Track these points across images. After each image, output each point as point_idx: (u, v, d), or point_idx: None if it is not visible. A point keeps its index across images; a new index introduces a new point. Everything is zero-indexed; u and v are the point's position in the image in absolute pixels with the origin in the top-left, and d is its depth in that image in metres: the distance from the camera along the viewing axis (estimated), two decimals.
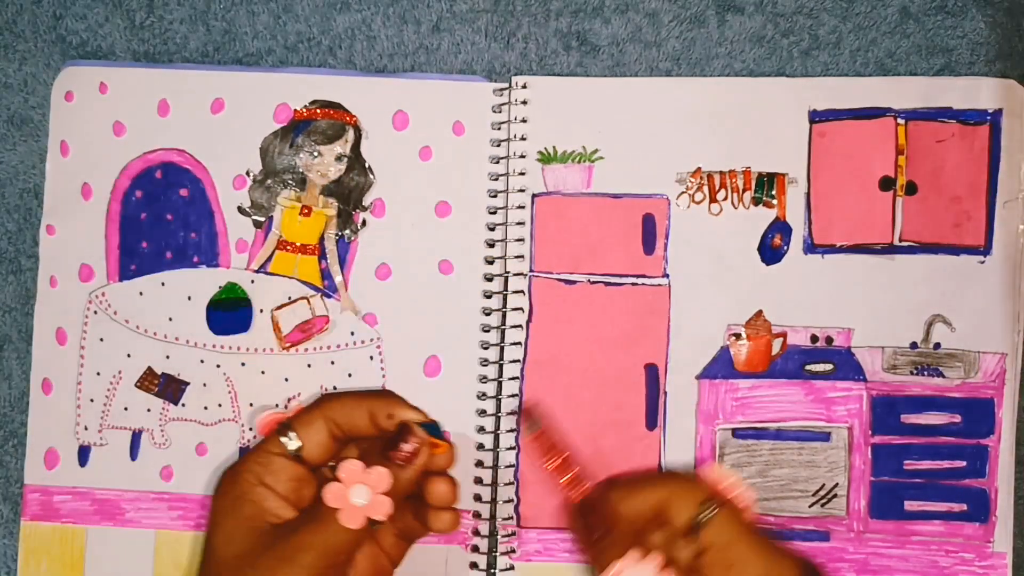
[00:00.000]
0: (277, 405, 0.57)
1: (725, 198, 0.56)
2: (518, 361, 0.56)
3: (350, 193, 0.57)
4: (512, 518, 0.56)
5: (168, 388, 0.57)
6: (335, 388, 0.57)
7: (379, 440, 0.49)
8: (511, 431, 0.56)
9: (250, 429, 0.57)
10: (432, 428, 0.49)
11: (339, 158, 0.57)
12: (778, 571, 0.47)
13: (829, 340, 0.55)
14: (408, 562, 0.52)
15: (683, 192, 0.56)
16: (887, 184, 0.55)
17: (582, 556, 0.54)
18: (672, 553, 0.48)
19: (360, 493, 0.46)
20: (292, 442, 0.49)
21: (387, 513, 0.47)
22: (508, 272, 0.56)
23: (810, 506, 0.55)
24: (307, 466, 0.49)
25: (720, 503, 0.47)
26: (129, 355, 0.57)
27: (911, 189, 0.55)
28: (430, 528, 0.50)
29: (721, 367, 0.55)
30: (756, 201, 0.55)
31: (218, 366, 0.57)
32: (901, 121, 0.55)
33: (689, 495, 0.48)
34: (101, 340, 0.57)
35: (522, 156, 0.56)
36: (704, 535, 0.47)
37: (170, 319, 0.57)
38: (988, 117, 0.55)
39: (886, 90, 0.55)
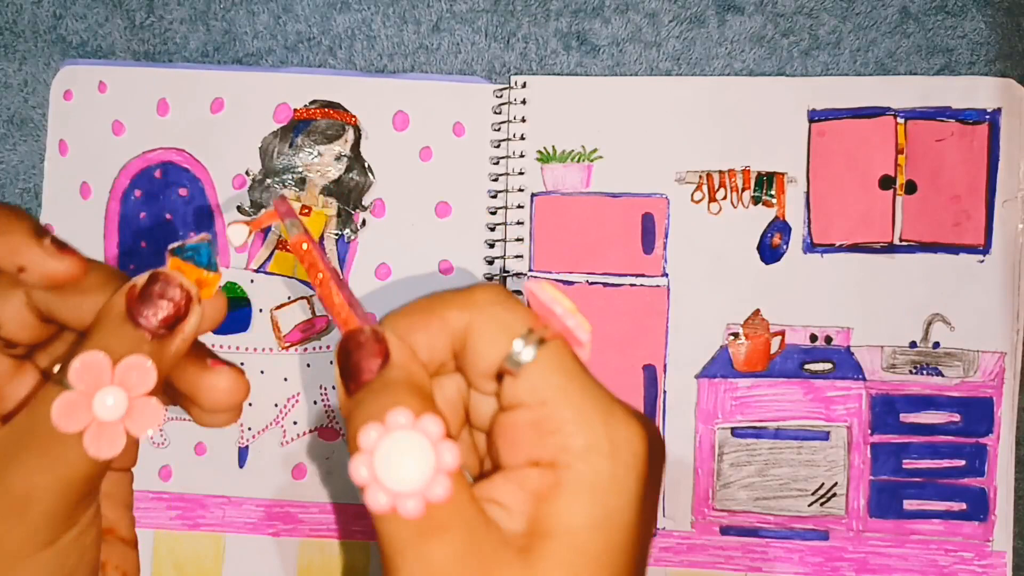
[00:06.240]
0: (276, 405, 0.57)
1: (724, 197, 0.56)
2: None
3: (350, 193, 0.57)
4: None
5: (167, 388, 0.57)
6: (334, 388, 0.56)
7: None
8: None
9: (248, 429, 0.57)
10: (193, 252, 0.33)
11: (339, 158, 0.57)
12: (615, 443, 0.31)
13: (828, 339, 0.55)
14: None
15: (686, 182, 0.56)
16: (887, 183, 0.55)
17: (343, 411, 0.33)
18: (473, 410, 0.34)
19: (112, 400, 0.30)
20: None
21: (160, 424, 0.31)
22: (507, 272, 0.56)
23: (809, 505, 0.55)
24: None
25: (544, 337, 0.32)
26: None
27: (911, 188, 0.55)
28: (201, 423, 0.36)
29: (720, 366, 0.55)
30: (755, 200, 0.55)
31: None
32: (900, 120, 0.55)
33: (500, 325, 0.32)
34: None
35: (521, 156, 0.56)
36: (515, 384, 0.31)
37: None
38: (987, 116, 0.55)
39: (885, 90, 0.55)
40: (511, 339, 0.31)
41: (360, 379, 0.31)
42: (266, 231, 0.57)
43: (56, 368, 0.32)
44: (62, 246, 0.32)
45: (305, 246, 0.34)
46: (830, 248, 0.55)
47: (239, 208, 0.57)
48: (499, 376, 0.32)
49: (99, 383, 0.30)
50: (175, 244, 0.32)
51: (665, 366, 0.56)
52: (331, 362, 0.57)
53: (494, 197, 0.57)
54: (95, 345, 0.31)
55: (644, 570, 0.33)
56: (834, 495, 0.55)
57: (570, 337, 0.32)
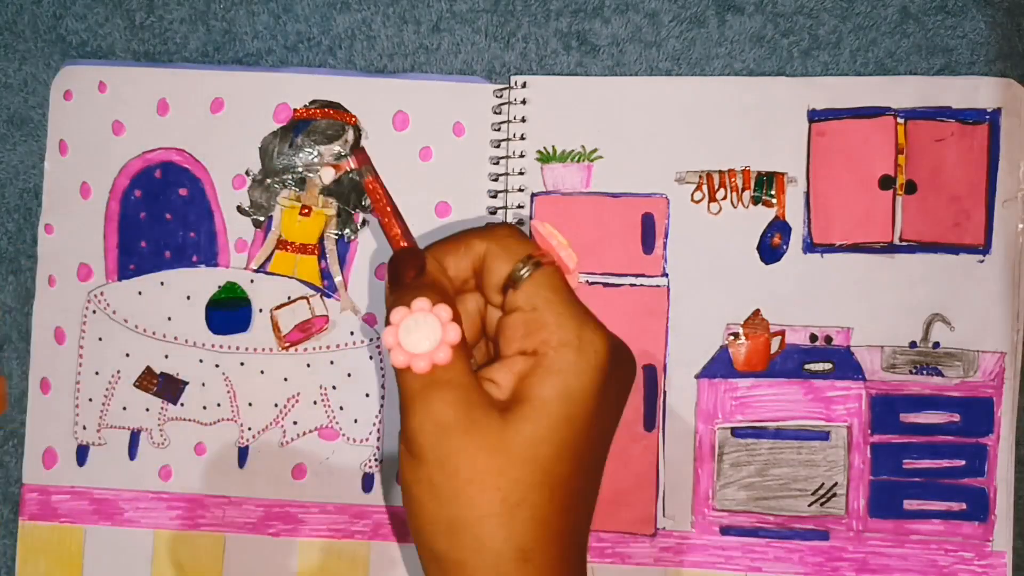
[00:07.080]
0: (276, 405, 0.57)
1: (724, 197, 0.56)
2: None
3: (350, 193, 0.57)
4: None
5: (167, 388, 0.57)
6: (334, 388, 0.56)
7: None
8: None
9: (248, 429, 0.57)
10: None
11: (339, 158, 0.57)
12: (583, 341, 0.41)
13: (828, 339, 0.55)
14: None
15: (686, 182, 0.56)
16: (887, 183, 0.55)
17: (387, 303, 0.44)
18: (488, 322, 0.45)
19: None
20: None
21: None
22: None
23: (809, 505, 0.55)
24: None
25: (539, 263, 0.43)
26: (128, 355, 0.57)
27: (911, 188, 0.55)
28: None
29: (720, 366, 0.55)
30: (755, 200, 0.55)
31: (217, 366, 0.57)
32: (900, 120, 0.55)
33: (509, 252, 0.43)
34: (100, 340, 0.57)
35: (521, 155, 0.56)
36: (515, 295, 0.42)
37: (169, 319, 0.57)
38: (987, 116, 0.55)
39: (885, 89, 0.55)
40: (516, 262, 0.43)
41: (402, 280, 0.43)
42: (266, 231, 0.57)
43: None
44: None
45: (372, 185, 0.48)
46: (830, 248, 0.55)
47: (239, 208, 0.57)
48: (504, 289, 0.43)
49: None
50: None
51: (665, 366, 0.55)
52: (330, 361, 0.57)
53: (494, 197, 0.57)
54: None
55: (603, 454, 0.44)
56: (834, 495, 0.55)
57: (561, 264, 0.44)
